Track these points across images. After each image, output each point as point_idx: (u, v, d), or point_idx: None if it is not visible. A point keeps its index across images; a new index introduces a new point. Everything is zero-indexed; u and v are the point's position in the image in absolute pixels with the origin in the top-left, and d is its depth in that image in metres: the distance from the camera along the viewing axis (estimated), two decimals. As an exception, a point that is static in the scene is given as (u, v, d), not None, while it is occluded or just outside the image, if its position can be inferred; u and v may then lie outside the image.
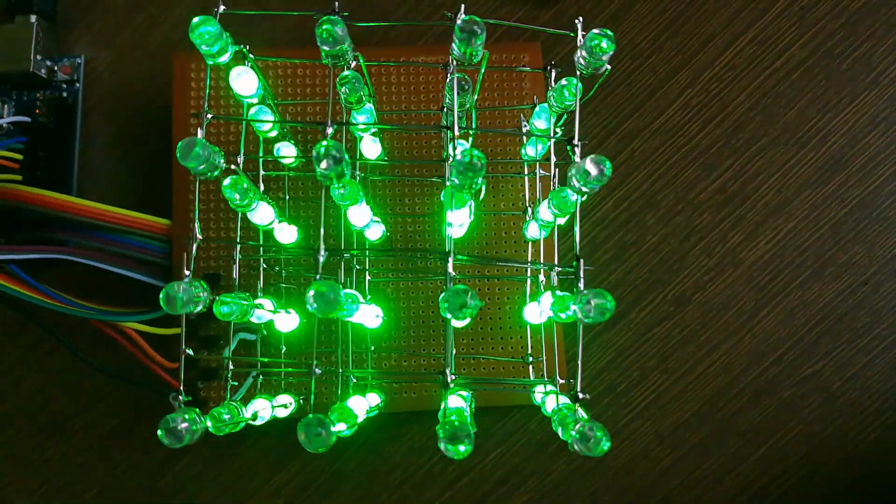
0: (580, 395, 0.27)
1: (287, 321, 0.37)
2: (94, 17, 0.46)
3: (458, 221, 0.32)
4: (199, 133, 0.25)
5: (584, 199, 0.28)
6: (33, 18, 0.45)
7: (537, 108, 0.35)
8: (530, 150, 0.39)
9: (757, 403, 0.41)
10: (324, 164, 0.23)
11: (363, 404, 0.31)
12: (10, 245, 0.40)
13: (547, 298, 0.31)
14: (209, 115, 0.26)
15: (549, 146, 0.35)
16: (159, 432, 0.24)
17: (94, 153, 0.45)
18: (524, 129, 0.40)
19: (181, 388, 0.25)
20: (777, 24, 0.43)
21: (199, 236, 0.27)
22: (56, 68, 0.46)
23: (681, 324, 0.42)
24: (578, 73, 0.28)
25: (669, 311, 0.42)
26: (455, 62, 0.26)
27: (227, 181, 0.28)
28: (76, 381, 0.42)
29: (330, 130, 0.25)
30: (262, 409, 0.33)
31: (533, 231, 0.39)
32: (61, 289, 0.39)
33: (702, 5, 0.44)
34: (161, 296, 0.24)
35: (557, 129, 0.36)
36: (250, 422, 0.30)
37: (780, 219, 0.42)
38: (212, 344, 0.40)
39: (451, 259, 0.25)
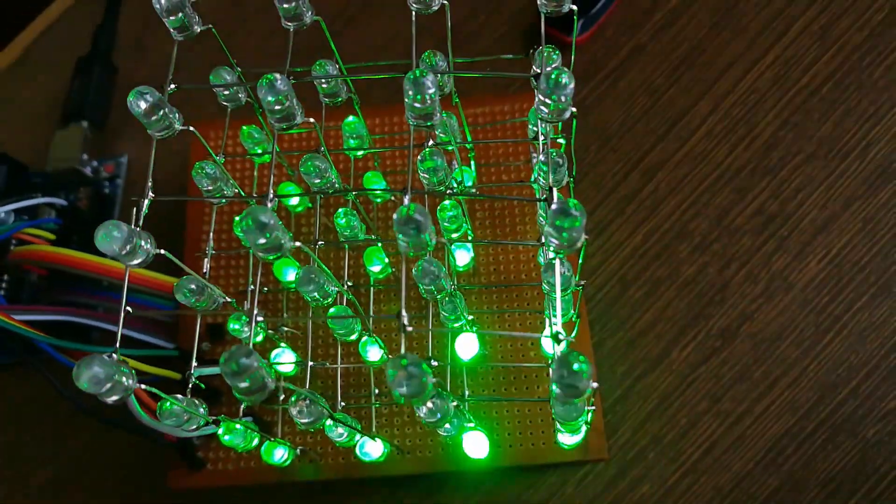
0: (560, 337, 0.22)
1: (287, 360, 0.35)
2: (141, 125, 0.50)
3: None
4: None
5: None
6: (85, 124, 0.49)
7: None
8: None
9: (836, 445, 0.35)
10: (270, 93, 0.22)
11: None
12: (36, 305, 0.41)
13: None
14: (173, 86, 0.27)
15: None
16: (81, 371, 0.21)
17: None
18: (533, 160, 0.38)
19: (118, 344, 0.23)
20: (797, 43, 0.41)
21: (152, 194, 0.26)
22: (101, 168, 0.49)
23: (730, 359, 0.37)
24: (542, 15, 0.26)
25: (716, 346, 0.37)
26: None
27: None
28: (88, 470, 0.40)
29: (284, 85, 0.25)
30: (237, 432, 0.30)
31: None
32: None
33: (714, 38, 0.43)
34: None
35: (560, 140, 0.34)
36: (210, 422, 0.27)
37: (831, 235, 0.38)
38: (212, 397, 0.37)
39: (408, 195, 0.23)
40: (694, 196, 0.40)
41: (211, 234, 0.30)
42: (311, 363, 0.27)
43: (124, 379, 0.22)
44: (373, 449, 0.34)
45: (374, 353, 0.36)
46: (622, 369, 0.38)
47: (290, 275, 0.38)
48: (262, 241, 0.22)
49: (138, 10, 0.52)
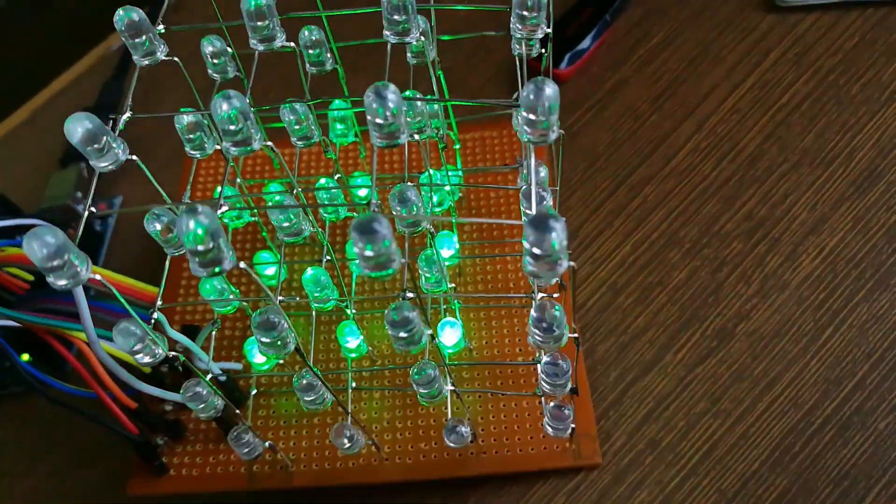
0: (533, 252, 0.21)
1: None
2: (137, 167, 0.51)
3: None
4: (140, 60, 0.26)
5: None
6: (82, 164, 0.50)
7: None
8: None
9: (846, 440, 0.32)
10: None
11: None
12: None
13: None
14: (161, 27, 0.27)
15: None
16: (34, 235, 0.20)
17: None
18: (520, 167, 0.39)
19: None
20: (774, 69, 0.43)
21: (130, 112, 0.26)
22: (94, 206, 0.49)
23: (728, 359, 0.35)
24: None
25: (712, 346, 0.35)
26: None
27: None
28: None
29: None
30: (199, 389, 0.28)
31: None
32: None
33: (695, 69, 0.44)
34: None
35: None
36: (168, 354, 0.25)
37: (822, 235, 0.37)
38: (174, 431, 0.35)
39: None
40: (682, 206, 0.40)
41: (189, 183, 0.30)
42: (280, 298, 0.26)
43: (77, 262, 0.21)
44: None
45: (352, 342, 0.35)
46: (615, 374, 0.36)
47: (269, 269, 0.37)
48: (233, 127, 0.22)
49: (147, 70, 0.54)
